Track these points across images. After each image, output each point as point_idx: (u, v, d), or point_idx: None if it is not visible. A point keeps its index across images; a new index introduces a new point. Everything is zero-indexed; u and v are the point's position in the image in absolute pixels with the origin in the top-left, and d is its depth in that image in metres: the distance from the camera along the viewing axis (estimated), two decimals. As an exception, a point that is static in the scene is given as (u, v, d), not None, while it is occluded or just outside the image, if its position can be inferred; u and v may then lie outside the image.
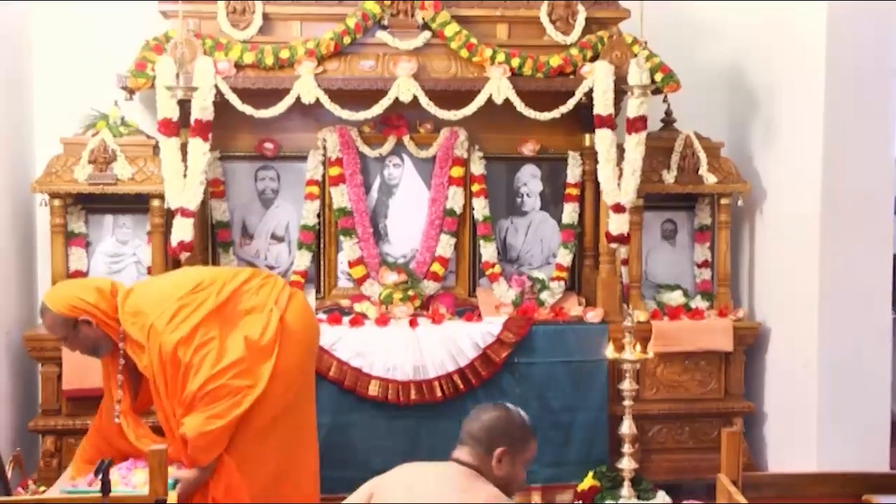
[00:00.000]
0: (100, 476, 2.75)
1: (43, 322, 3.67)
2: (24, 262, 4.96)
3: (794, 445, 4.87)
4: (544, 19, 4.93)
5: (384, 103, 4.75)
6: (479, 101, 4.79)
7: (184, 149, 4.63)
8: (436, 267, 5.06)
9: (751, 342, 5.08)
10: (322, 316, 4.79)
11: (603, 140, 4.84)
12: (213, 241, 5.03)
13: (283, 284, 3.81)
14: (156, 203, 4.71)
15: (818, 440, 4.63)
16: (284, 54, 4.70)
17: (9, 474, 3.72)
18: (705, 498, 4.70)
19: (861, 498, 2.88)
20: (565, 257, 5.16)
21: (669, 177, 5.05)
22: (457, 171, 5.06)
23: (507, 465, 3.00)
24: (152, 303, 3.55)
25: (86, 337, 3.57)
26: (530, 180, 5.25)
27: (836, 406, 4.61)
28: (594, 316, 4.88)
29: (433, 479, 2.97)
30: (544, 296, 5.02)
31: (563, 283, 5.13)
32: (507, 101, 4.79)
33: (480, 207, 5.10)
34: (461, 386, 4.65)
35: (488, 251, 5.10)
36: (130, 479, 3.41)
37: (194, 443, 3.40)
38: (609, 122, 4.83)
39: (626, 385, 4.53)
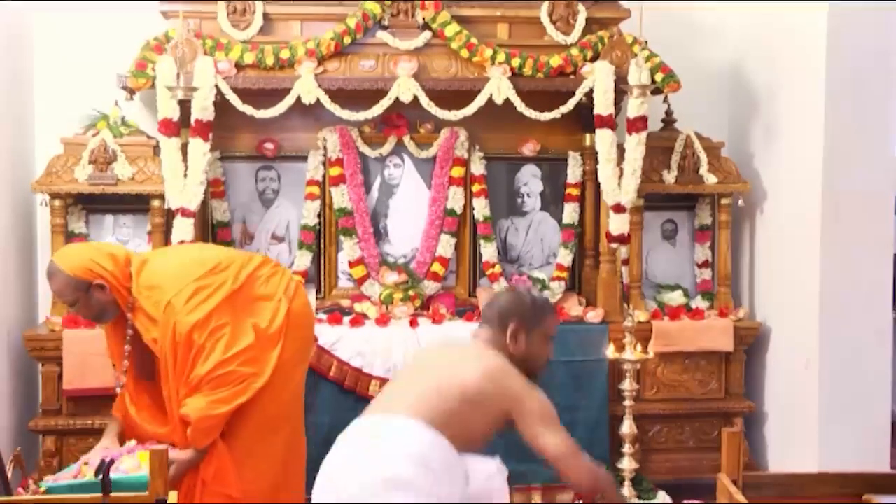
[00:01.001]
0: (100, 476, 2.75)
1: (51, 283, 3.55)
2: (24, 262, 4.96)
3: (794, 445, 4.87)
4: (545, 19, 4.93)
5: (384, 103, 4.75)
6: (479, 101, 4.79)
7: (184, 149, 4.63)
8: (436, 267, 5.06)
9: (751, 342, 5.08)
10: (322, 316, 4.80)
11: (603, 140, 4.84)
12: (213, 241, 5.02)
13: (290, 275, 3.81)
14: (156, 203, 4.71)
15: (819, 440, 4.63)
16: (285, 54, 4.70)
17: (9, 474, 3.71)
18: (706, 498, 4.69)
19: (861, 498, 2.87)
20: (566, 257, 5.16)
21: (670, 177, 5.05)
22: (457, 171, 5.06)
23: (523, 341, 3.19)
24: (170, 279, 3.51)
25: (97, 302, 3.50)
26: (531, 180, 5.25)
27: (836, 406, 4.61)
28: (594, 316, 4.88)
29: (458, 347, 3.35)
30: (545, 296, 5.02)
31: (563, 283, 5.13)
32: (507, 101, 4.79)
33: (481, 207, 5.10)
34: (461, 386, 4.65)
35: (489, 251, 5.09)
36: (119, 466, 3.38)
37: (196, 425, 3.38)
38: (609, 122, 4.83)
39: (627, 385, 4.53)
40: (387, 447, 2.86)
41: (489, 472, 3.05)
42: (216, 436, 3.46)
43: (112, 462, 3.01)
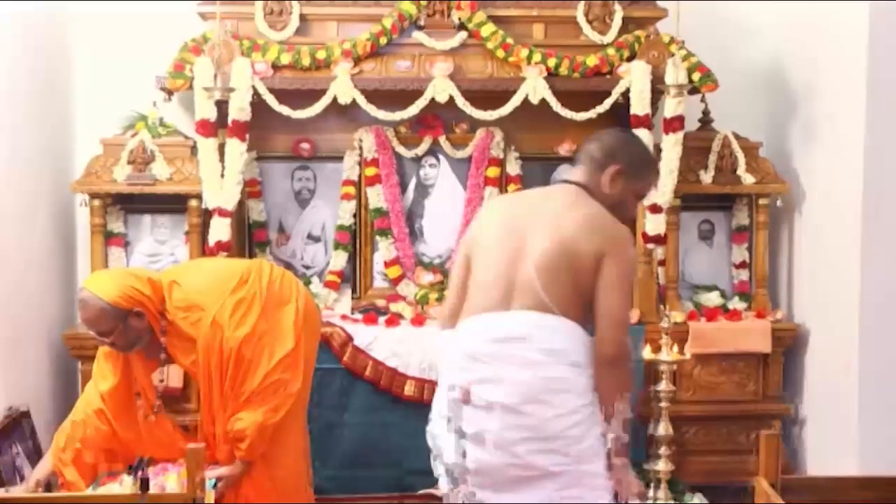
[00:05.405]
0: (138, 474, 2.78)
1: (83, 313, 3.39)
2: (64, 262, 5.02)
3: (833, 449, 4.81)
4: (581, 19, 4.90)
5: (420, 104, 4.75)
6: (515, 101, 4.78)
7: (221, 149, 4.67)
8: (471, 267, 5.05)
9: (789, 344, 5.03)
10: (358, 316, 4.82)
11: (640, 140, 4.81)
12: (249, 241, 5.07)
13: (291, 275, 3.80)
14: (193, 203, 4.74)
15: (859, 443, 4.56)
16: (321, 55, 4.72)
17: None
18: (743, 501, 4.65)
19: (904, 503, 2.84)
20: (601, 258, 5.13)
21: (707, 177, 5.01)
22: (493, 172, 5.06)
23: (619, 185, 2.91)
24: (207, 296, 3.46)
25: (133, 330, 3.40)
26: (566, 180, 5.22)
27: (877, 409, 4.54)
28: (631, 317, 4.84)
29: (539, 198, 2.99)
30: (580, 296, 5.00)
31: (599, 283, 5.09)
32: (543, 101, 4.78)
33: (516, 208, 5.08)
34: (496, 386, 4.64)
35: (524, 251, 5.08)
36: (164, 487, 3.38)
37: (254, 437, 3.39)
38: (646, 122, 4.80)
39: (663, 386, 4.50)
40: (533, 349, 2.76)
41: None
42: (266, 446, 3.47)
43: (150, 461, 3.04)
